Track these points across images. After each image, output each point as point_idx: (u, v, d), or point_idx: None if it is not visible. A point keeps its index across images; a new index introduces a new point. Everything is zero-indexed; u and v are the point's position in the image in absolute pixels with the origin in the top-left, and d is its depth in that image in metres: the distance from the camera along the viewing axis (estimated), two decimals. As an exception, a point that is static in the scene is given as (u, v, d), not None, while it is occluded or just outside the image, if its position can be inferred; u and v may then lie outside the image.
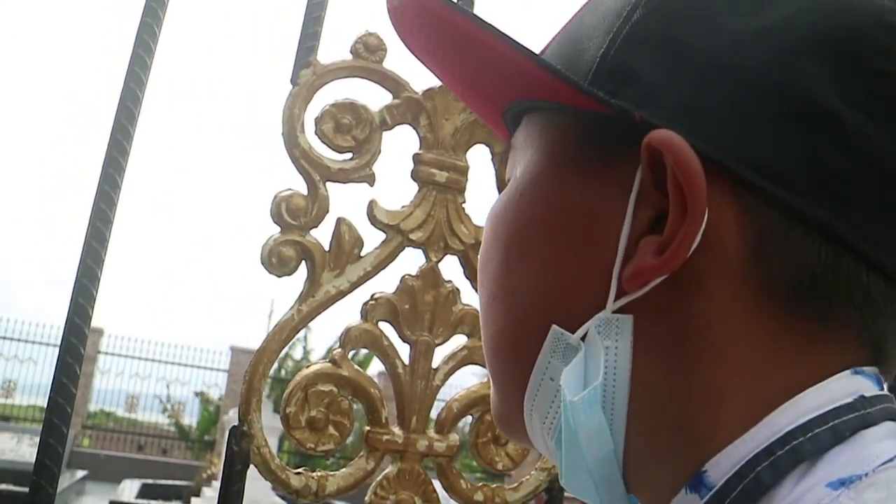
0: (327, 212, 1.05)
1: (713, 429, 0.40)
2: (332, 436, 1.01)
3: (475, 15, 0.45)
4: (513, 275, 0.47)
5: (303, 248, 1.03)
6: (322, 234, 1.05)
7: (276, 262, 1.01)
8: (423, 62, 0.56)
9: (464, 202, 1.13)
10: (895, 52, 0.40)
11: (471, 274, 1.12)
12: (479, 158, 1.15)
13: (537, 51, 0.47)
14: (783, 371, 0.40)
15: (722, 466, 0.39)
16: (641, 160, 0.41)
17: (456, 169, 1.12)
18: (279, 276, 1.03)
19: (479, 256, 0.52)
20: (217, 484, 11.51)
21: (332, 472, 1.02)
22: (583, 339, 0.42)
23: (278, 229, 1.03)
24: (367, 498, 1.03)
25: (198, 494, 12.45)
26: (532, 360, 0.45)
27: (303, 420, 1.00)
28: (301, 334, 23.11)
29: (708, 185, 0.38)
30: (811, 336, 0.40)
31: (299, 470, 1.00)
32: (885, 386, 0.42)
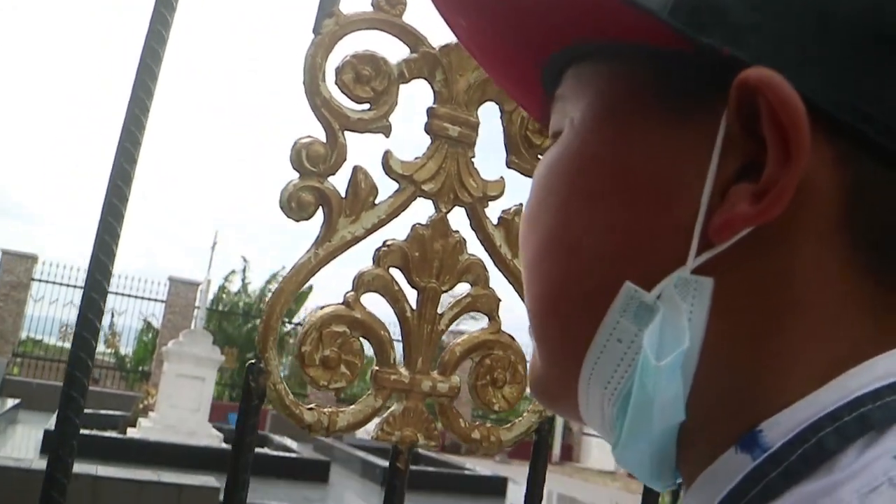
0: (345, 160, 1.09)
1: (777, 388, 0.38)
2: (344, 374, 1.06)
3: None
4: (573, 227, 0.44)
5: (321, 193, 1.07)
6: (339, 182, 1.09)
7: (296, 206, 1.05)
8: (447, 10, 0.53)
9: (473, 156, 1.17)
10: None
11: (477, 226, 1.17)
12: (489, 115, 1.20)
13: None
14: (859, 336, 0.38)
15: (782, 427, 0.37)
16: (730, 102, 0.37)
17: (468, 124, 1.16)
18: (297, 221, 1.07)
19: (525, 212, 0.49)
20: (153, 414, 11.48)
21: (342, 409, 1.07)
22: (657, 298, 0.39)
23: (297, 175, 1.07)
24: (372, 433, 1.09)
25: (134, 425, 12.43)
26: (591, 321, 0.42)
27: (317, 358, 1.05)
28: (239, 266, 23.02)
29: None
30: (892, 303, 0.38)
31: (311, 406, 1.06)
32: None
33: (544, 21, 0.46)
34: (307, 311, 22.12)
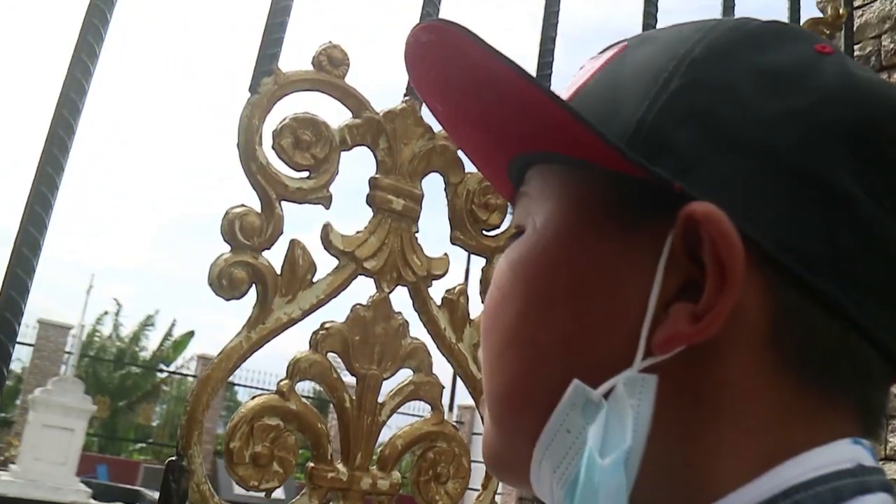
0: (281, 233, 0.99)
1: (719, 480, 0.41)
2: (277, 472, 0.95)
3: (513, 61, 0.44)
4: (533, 325, 0.47)
5: (255, 270, 0.97)
6: (274, 256, 0.99)
7: (227, 283, 0.95)
8: (427, 94, 0.57)
9: (417, 231, 1.09)
10: None
11: (420, 307, 1.09)
12: (433, 187, 1.12)
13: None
14: (790, 434, 0.42)
15: None
16: (676, 227, 0.41)
17: (412, 197, 1.08)
18: (228, 300, 0.96)
19: (488, 304, 0.52)
20: (14, 467, 10.81)
21: (272, 511, 0.96)
22: (605, 395, 0.42)
23: (228, 248, 0.96)
24: (305, 538, 0.98)
25: (-8, 477, 11.65)
26: (545, 410, 0.45)
27: (247, 455, 0.93)
28: (112, 308, 22.12)
29: None
30: (818, 405, 0.42)
31: (238, 508, 0.94)
32: (877, 459, 0.44)
33: (509, 129, 0.50)
34: (185, 358, 21.43)
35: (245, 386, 20.20)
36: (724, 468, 0.41)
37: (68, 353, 17.29)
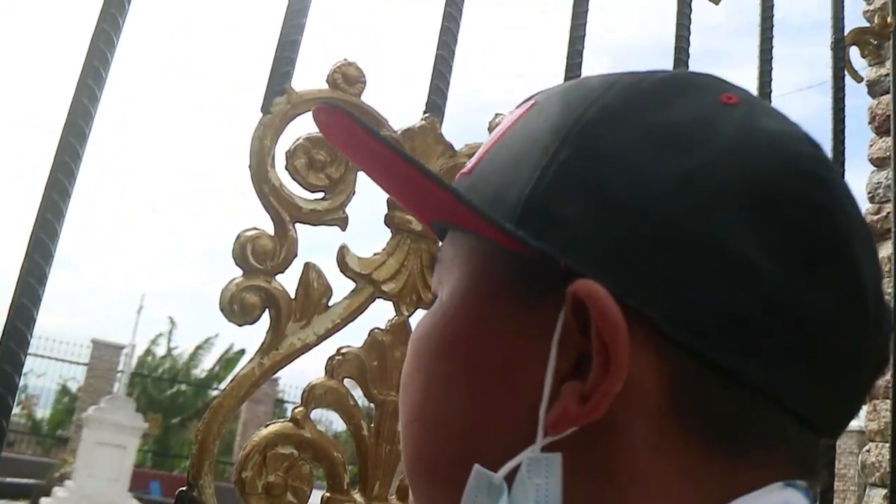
0: (295, 255, 0.97)
1: None
2: (291, 503, 0.92)
3: (399, 148, 0.46)
4: (435, 402, 0.47)
5: (268, 294, 0.94)
6: (288, 280, 0.97)
7: (238, 309, 0.92)
8: (356, 166, 0.61)
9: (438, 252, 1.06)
10: (812, 202, 0.41)
11: (441, 329, 1.05)
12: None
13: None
14: (703, 496, 0.41)
15: None
16: (566, 305, 0.41)
17: (432, 216, 1.05)
18: (240, 325, 0.93)
19: (402, 374, 0.52)
20: (70, 484, 10.97)
21: (286, 544, 0.93)
22: (510, 474, 0.42)
23: (240, 272, 0.94)
24: (322, 571, 0.94)
25: (48, 494, 11.83)
26: (454, 487, 0.44)
27: (259, 486, 0.91)
28: (165, 328, 22.40)
29: (629, 332, 0.39)
30: (736, 465, 0.41)
31: (252, 541, 0.91)
32: (813, 499, 0.43)
33: (412, 203, 0.53)
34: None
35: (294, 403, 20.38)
36: None
37: (120, 371, 17.56)
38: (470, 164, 0.51)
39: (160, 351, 21.76)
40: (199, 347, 21.70)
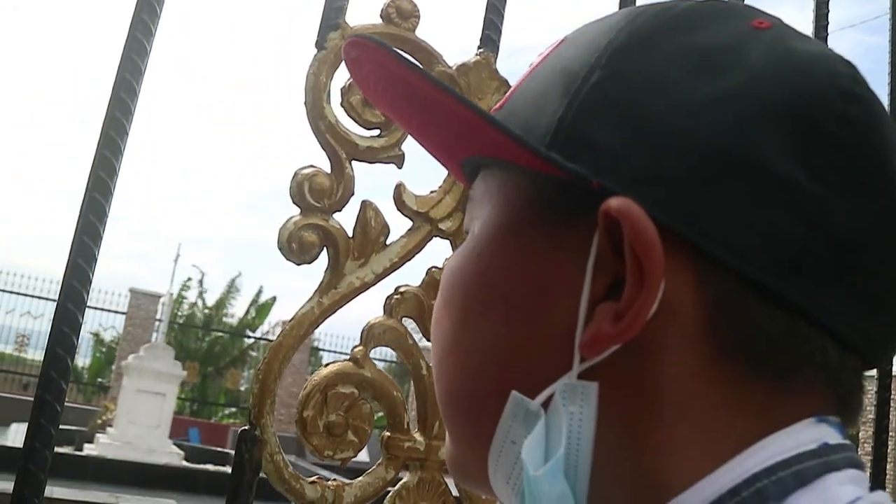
0: (353, 194, 0.95)
1: (671, 480, 0.40)
2: (352, 442, 0.92)
3: (432, 76, 0.45)
4: (468, 333, 0.47)
5: (326, 233, 0.93)
6: (345, 219, 0.95)
7: (297, 247, 0.91)
8: (380, 109, 0.58)
9: (494, 190, 1.04)
10: (851, 119, 0.40)
11: (498, 268, 1.04)
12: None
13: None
14: (745, 425, 0.40)
15: None
16: (599, 226, 0.40)
17: (488, 153, 1.03)
18: (298, 264, 0.92)
19: (434, 310, 0.52)
20: (111, 430, 11.19)
21: (348, 482, 0.93)
22: (545, 403, 0.42)
23: (297, 210, 0.93)
24: (382, 509, 0.95)
25: (91, 441, 12.10)
26: (491, 418, 0.44)
27: (321, 425, 0.90)
28: (196, 275, 22.61)
29: (665, 252, 0.38)
30: (772, 393, 0.41)
31: (313, 479, 0.91)
32: (846, 435, 0.43)
33: (444, 138, 0.52)
34: (270, 324, 21.83)
35: (330, 351, 20.59)
36: (676, 467, 0.40)
37: (158, 320, 17.81)
38: (501, 101, 0.51)
39: (191, 297, 21.99)
40: (228, 290, 21.88)
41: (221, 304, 22.02)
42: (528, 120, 0.45)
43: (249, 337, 21.94)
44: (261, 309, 22.09)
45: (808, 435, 0.40)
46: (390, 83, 0.50)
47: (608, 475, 0.41)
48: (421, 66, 0.44)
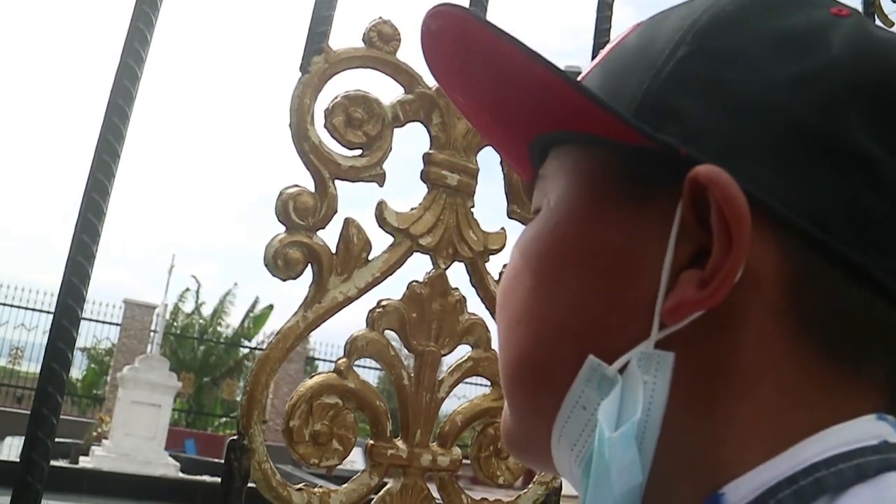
0: (335, 212, 0.99)
1: (736, 456, 0.40)
2: (337, 450, 0.96)
3: (521, 42, 0.44)
4: (543, 301, 0.48)
5: (310, 250, 0.97)
6: (329, 235, 0.99)
7: (282, 264, 0.95)
8: (447, 86, 0.58)
9: (472, 206, 1.08)
10: None
11: (477, 282, 1.08)
12: (488, 161, 1.11)
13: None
14: (811, 408, 0.41)
15: (742, 490, 0.39)
16: (684, 195, 0.41)
17: (467, 171, 1.07)
18: (284, 280, 0.96)
19: (502, 282, 0.52)
20: (107, 443, 11.14)
21: (333, 488, 0.97)
22: (619, 371, 0.42)
23: (283, 228, 0.96)
24: (367, 514, 0.98)
25: (86, 453, 12.08)
26: (559, 387, 0.45)
27: (307, 434, 0.94)
28: (193, 286, 22.59)
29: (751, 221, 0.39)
30: (841, 377, 0.41)
31: (300, 486, 0.95)
32: None
33: (524, 111, 0.51)
34: (265, 335, 21.81)
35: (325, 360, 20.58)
36: (741, 447, 0.41)
37: (153, 331, 17.79)
38: (581, 77, 0.51)
39: (187, 308, 21.97)
40: (223, 300, 21.85)
41: (217, 314, 22.00)
42: (611, 93, 0.45)
43: (245, 347, 21.92)
44: (257, 319, 22.08)
45: (869, 430, 0.40)
46: (473, 55, 0.50)
47: (672, 450, 0.42)
48: (515, 37, 0.44)
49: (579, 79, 0.50)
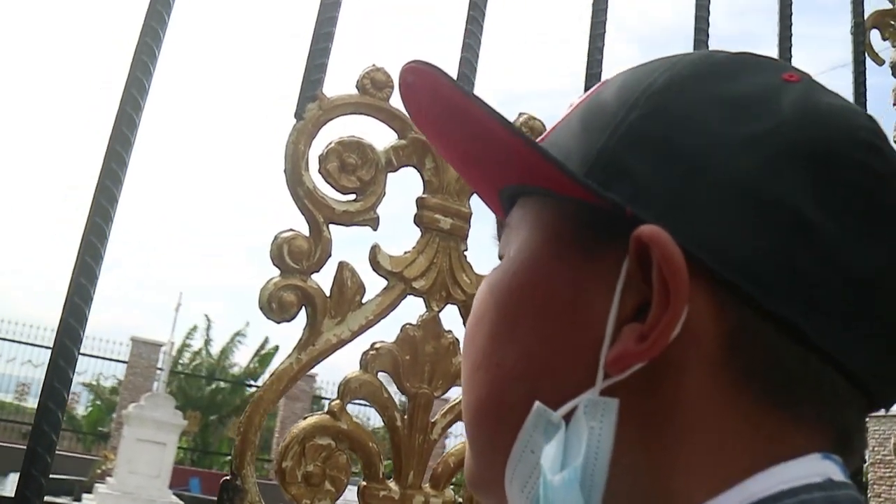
0: (329, 255, 1.01)
1: (686, 493, 0.42)
2: (329, 492, 0.97)
3: (483, 102, 0.48)
4: (500, 348, 0.49)
5: (304, 293, 0.98)
6: (323, 278, 1.01)
7: (277, 307, 0.97)
8: (426, 133, 0.60)
9: (466, 250, 1.10)
10: (870, 167, 0.44)
11: (470, 324, 1.09)
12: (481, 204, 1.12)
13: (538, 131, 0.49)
14: (755, 450, 0.42)
15: None
16: (630, 251, 0.43)
17: (460, 215, 1.09)
18: (278, 322, 0.98)
19: (466, 327, 0.54)
20: (111, 480, 11.08)
21: (326, 530, 0.97)
22: (566, 416, 0.44)
23: (277, 271, 0.98)
24: (359, 556, 0.99)
25: (90, 491, 12.03)
26: (513, 430, 0.46)
27: (299, 475, 0.95)
28: (202, 324, 22.60)
29: (690, 278, 0.41)
30: (783, 422, 0.43)
31: (293, 527, 0.96)
32: (848, 474, 0.44)
33: (489, 165, 0.54)
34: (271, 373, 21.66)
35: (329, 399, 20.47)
36: (687, 487, 0.42)
37: (160, 369, 17.77)
38: (543, 136, 0.53)
39: (196, 345, 21.93)
40: (233, 338, 21.82)
41: (225, 353, 21.97)
42: (569, 151, 0.48)
43: (252, 386, 21.86)
44: (263, 358, 22.03)
45: (815, 468, 0.42)
46: (444, 109, 0.52)
47: (621, 492, 0.43)
48: (478, 96, 0.47)
49: (546, 133, 0.53)
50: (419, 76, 0.52)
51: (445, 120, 0.53)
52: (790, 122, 0.44)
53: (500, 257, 0.54)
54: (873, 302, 0.43)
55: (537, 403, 0.45)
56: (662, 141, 0.45)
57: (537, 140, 0.52)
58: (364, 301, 1.02)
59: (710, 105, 0.45)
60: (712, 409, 0.42)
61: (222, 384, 21.72)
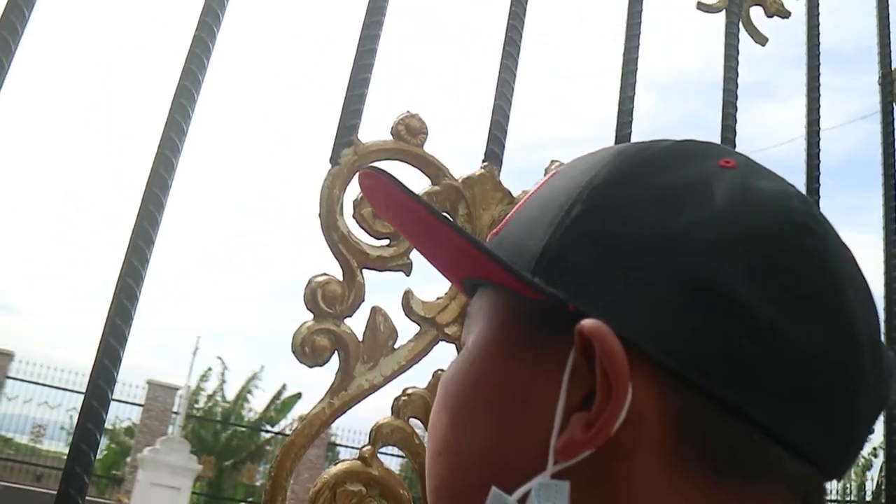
0: (363, 300, 1.01)
1: None
2: (359, 539, 0.95)
3: (433, 208, 0.52)
4: (458, 436, 0.52)
5: (337, 337, 0.98)
6: (355, 323, 1.01)
7: (310, 351, 0.97)
8: (395, 228, 0.66)
9: (498, 295, 1.09)
10: (804, 250, 0.45)
11: (502, 370, 1.08)
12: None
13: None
14: None
15: None
16: (575, 344, 0.45)
17: (492, 261, 1.09)
18: (311, 367, 0.98)
19: (431, 415, 0.56)
20: (124, 526, 10.97)
21: (355, 579, 0.96)
22: (521, 499, 0.45)
23: (311, 316, 0.98)
24: None
25: (104, 535, 11.96)
26: None
27: (330, 522, 0.94)
28: (217, 368, 22.56)
29: (632, 368, 0.43)
30: (738, 495, 0.44)
31: (322, 575, 0.94)
32: None
33: (445, 260, 0.59)
34: (291, 419, 21.63)
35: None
36: None
37: (175, 413, 17.74)
38: (499, 226, 0.56)
39: (210, 387, 21.84)
40: (249, 381, 21.72)
41: (241, 396, 21.88)
42: (518, 245, 0.51)
43: (267, 431, 21.74)
44: (283, 405, 21.90)
45: None
46: (399, 209, 0.56)
47: None
48: (424, 198, 0.51)
49: (505, 220, 0.56)
50: (374, 180, 0.55)
51: (402, 220, 0.58)
52: (725, 209, 0.46)
53: (462, 345, 0.56)
54: (811, 380, 0.44)
55: (494, 488, 0.47)
56: (603, 235, 0.47)
57: (498, 227, 0.56)
58: (396, 346, 1.02)
59: (648, 196, 0.47)
60: (660, 489, 0.44)
61: (239, 430, 21.60)
